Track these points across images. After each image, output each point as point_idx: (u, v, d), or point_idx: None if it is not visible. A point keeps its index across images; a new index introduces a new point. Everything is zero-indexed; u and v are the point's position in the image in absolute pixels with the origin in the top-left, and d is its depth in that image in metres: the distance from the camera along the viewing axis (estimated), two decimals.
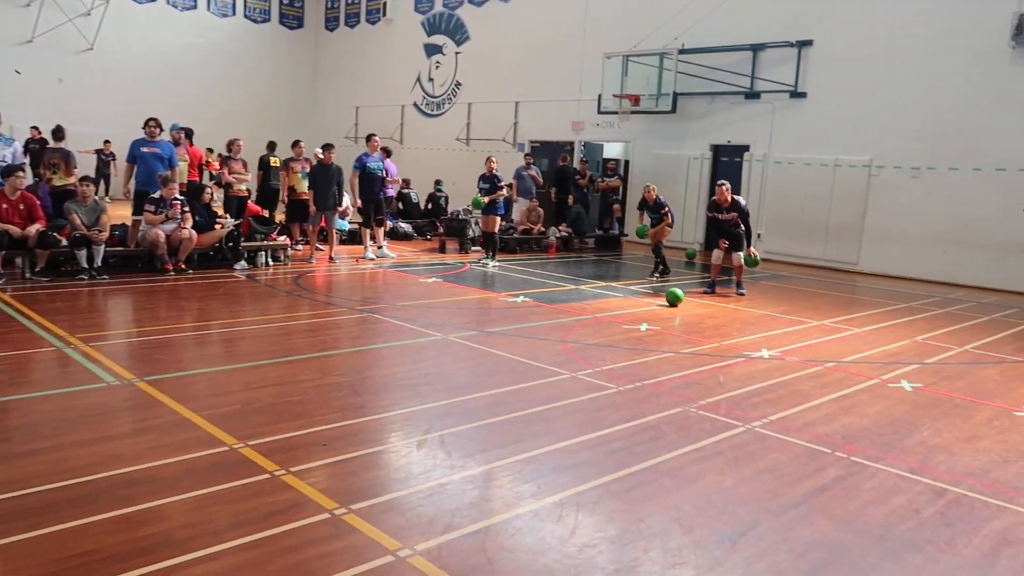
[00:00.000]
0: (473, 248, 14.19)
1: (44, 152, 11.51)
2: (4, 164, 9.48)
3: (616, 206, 16.71)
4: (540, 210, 15.47)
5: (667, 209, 11.74)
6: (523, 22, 19.60)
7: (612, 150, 18.62)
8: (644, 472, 4.27)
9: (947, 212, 12.92)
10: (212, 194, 10.98)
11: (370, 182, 12.37)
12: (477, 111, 20.95)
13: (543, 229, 15.28)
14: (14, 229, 8.83)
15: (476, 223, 14.45)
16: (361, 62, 24.92)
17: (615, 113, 16.57)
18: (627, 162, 17.68)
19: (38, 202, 9.23)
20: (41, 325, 6.91)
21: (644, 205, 11.93)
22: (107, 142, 20.95)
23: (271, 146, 14.30)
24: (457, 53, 21.71)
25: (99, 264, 9.38)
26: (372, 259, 12.38)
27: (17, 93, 19.77)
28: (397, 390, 5.63)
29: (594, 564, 3.27)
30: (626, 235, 16.74)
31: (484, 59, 20.81)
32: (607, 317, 8.66)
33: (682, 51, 15.48)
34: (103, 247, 9.44)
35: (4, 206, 8.88)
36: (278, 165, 13.51)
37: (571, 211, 15.81)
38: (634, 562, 3.31)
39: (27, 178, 10.01)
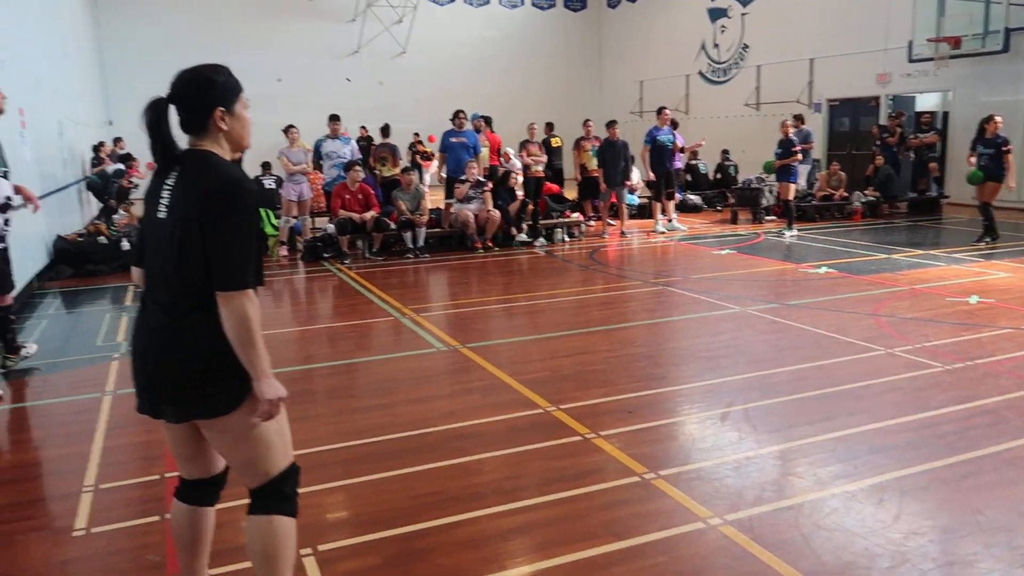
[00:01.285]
0: (767, 218, 13.58)
1: (372, 148, 13.19)
2: (344, 160, 11.03)
3: (933, 164, 14.85)
4: (842, 174, 14.30)
5: (1010, 147, 10.09)
6: None
7: (926, 102, 16.55)
8: (981, 460, 3.85)
9: None
10: (517, 178, 11.74)
11: (660, 155, 12.40)
12: (767, 73, 19.83)
13: (846, 194, 14.11)
14: (356, 216, 10.30)
15: (770, 191, 13.79)
16: (644, 36, 24.84)
17: (930, 60, 14.68)
18: (946, 114, 15.62)
19: (373, 192, 10.64)
20: (380, 297, 8.02)
21: (980, 138, 10.36)
22: (416, 135, 23.33)
23: (549, 127, 14.98)
24: (743, 15, 20.69)
25: (421, 244, 10.59)
26: (663, 232, 12.42)
27: (347, 98, 22.82)
28: (696, 362, 5.65)
29: (924, 553, 3.05)
30: (947, 196, 14.84)
31: (773, 17, 19.59)
32: (927, 288, 7.82)
33: None
34: (424, 229, 10.63)
35: (347, 196, 10.38)
36: (559, 145, 14.18)
37: (879, 172, 14.39)
38: (972, 557, 3.02)
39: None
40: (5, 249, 5.56)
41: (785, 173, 11.92)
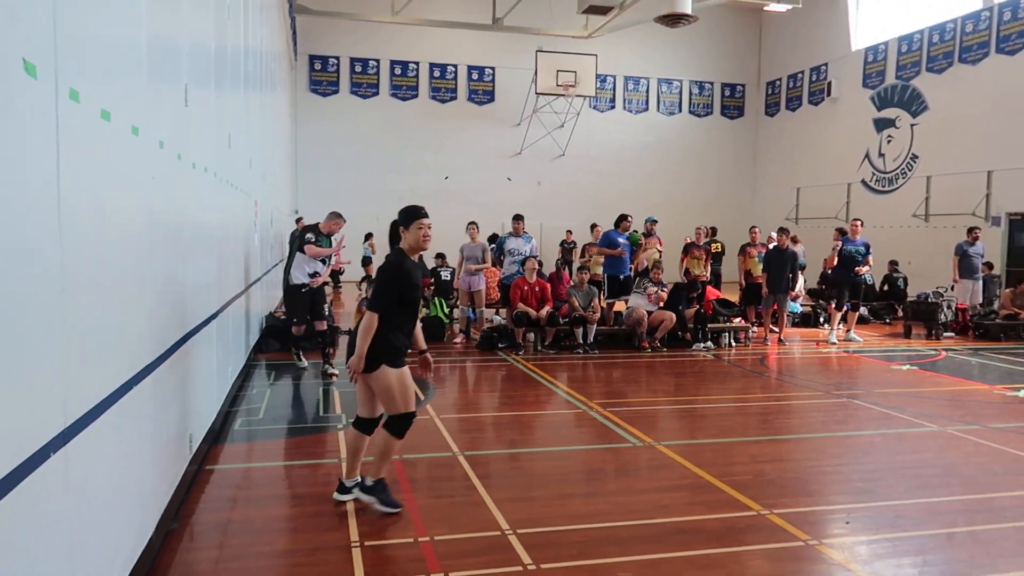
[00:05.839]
0: (945, 334, 13.03)
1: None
2: (524, 257, 11.68)
3: None
4: None
5: None
6: (996, 83, 17.74)
7: None
8: None
9: None
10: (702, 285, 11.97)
11: (849, 263, 12.33)
12: (938, 184, 19.33)
13: None
14: (532, 310, 10.82)
15: (948, 307, 13.28)
16: (802, 143, 24.92)
17: None
18: None
19: (548, 287, 11.18)
20: (563, 390, 8.37)
21: None
22: (569, 232, 24.16)
23: (712, 232, 15.25)
24: (913, 125, 20.43)
25: (591, 340, 10.94)
26: (834, 343, 12.20)
27: (506, 196, 24.14)
28: (905, 479, 5.55)
29: None
30: None
31: (946, 129, 19.23)
32: None
33: None
34: (595, 326, 11.00)
35: (524, 289, 10.96)
36: (719, 251, 14.47)
37: None
38: None
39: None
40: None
41: None
